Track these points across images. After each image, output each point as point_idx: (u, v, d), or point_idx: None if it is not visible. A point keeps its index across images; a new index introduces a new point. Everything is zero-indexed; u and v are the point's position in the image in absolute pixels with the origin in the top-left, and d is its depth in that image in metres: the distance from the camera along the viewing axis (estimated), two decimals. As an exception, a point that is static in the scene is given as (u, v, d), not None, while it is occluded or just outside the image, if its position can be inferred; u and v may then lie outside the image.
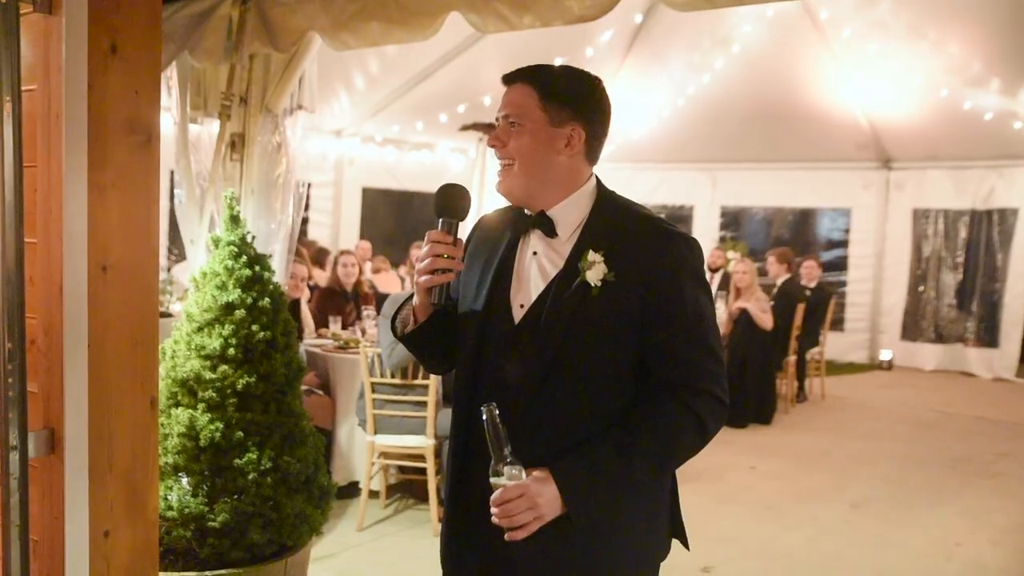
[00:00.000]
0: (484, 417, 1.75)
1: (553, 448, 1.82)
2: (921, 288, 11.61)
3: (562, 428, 1.83)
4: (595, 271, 1.81)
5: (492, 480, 1.75)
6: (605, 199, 1.94)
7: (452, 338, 2.03)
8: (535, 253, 1.92)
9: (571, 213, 1.91)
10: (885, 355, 11.52)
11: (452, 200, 1.91)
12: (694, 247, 1.89)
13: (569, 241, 1.89)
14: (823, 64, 10.13)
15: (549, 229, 1.90)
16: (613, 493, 1.81)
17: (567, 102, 1.87)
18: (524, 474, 1.75)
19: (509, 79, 1.91)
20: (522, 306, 1.90)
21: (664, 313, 1.82)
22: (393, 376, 4.96)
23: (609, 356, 1.84)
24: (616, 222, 1.89)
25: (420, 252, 1.90)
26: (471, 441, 1.92)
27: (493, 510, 1.75)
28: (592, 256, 1.82)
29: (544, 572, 1.86)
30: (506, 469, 1.74)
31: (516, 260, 1.94)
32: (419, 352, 2.13)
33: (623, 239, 1.85)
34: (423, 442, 4.98)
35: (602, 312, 1.81)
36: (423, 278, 1.87)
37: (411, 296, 2.03)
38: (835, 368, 10.79)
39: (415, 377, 4.93)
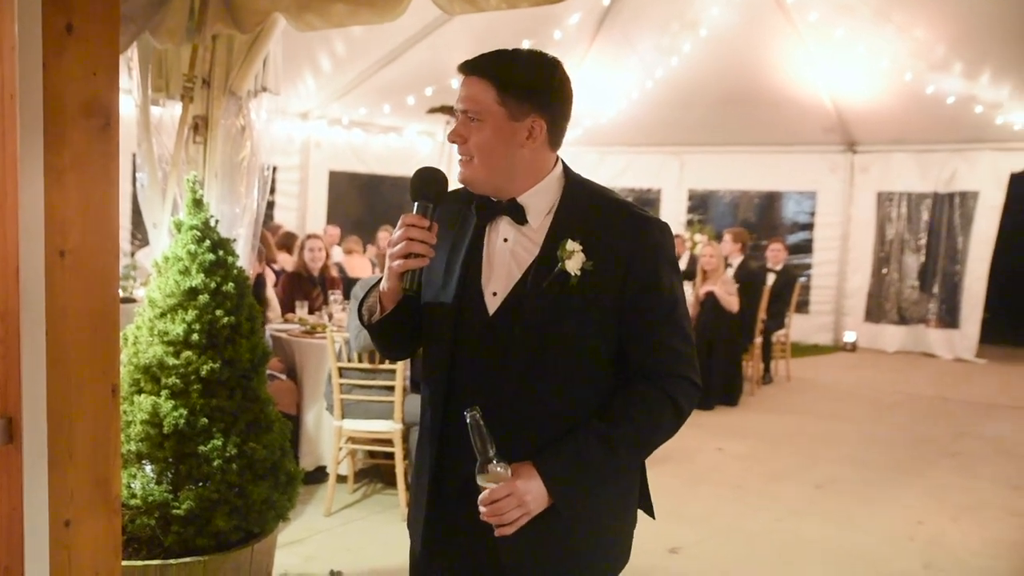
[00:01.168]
0: (468, 422, 1.75)
1: (534, 435, 1.82)
2: (884, 270, 11.77)
3: (543, 416, 1.83)
4: (575, 260, 1.80)
5: (479, 480, 1.77)
6: (574, 184, 1.92)
7: (415, 328, 2.00)
8: (506, 240, 1.89)
9: (541, 199, 1.88)
10: (849, 337, 11.68)
11: (429, 183, 1.87)
12: (667, 232, 1.90)
13: (541, 228, 1.87)
14: (790, 48, 10.19)
15: (519, 216, 1.88)
16: (597, 482, 1.84)
17: (526, 95, 1.82)
18: (509, 472, 1.76)
19: (466, 70, 1.87)
20: (495, 294, 1.87)
21: (643, 300, 1.83)
22: (361, 360, 4.93)
23: (589, 343, 1.84)
24: (588, 207, 1.87)
25: (393, 236, 1.86)
26: (449, 433, 1.90)
27: (482, 509, 1.77)
28: (571, 245, 1.81)
29: (528, 558, 1.86)
30: (491, 468, 1.75)
31: (485, 247, 1.91)
32: (383, 340, 2.06)
33: (597, 226, 1.83)
34: (391, 427, 4.96)
35: (582, 300, 1.81)
36: (396, 263, 1.83)
37: (378, 282, 1.98)
38: (800, 350, 10.91)
39: (383, 362, 4.90)
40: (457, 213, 1.96)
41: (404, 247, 1.82)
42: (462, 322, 1.89)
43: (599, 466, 1.82)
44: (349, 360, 4.96)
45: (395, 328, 1.99)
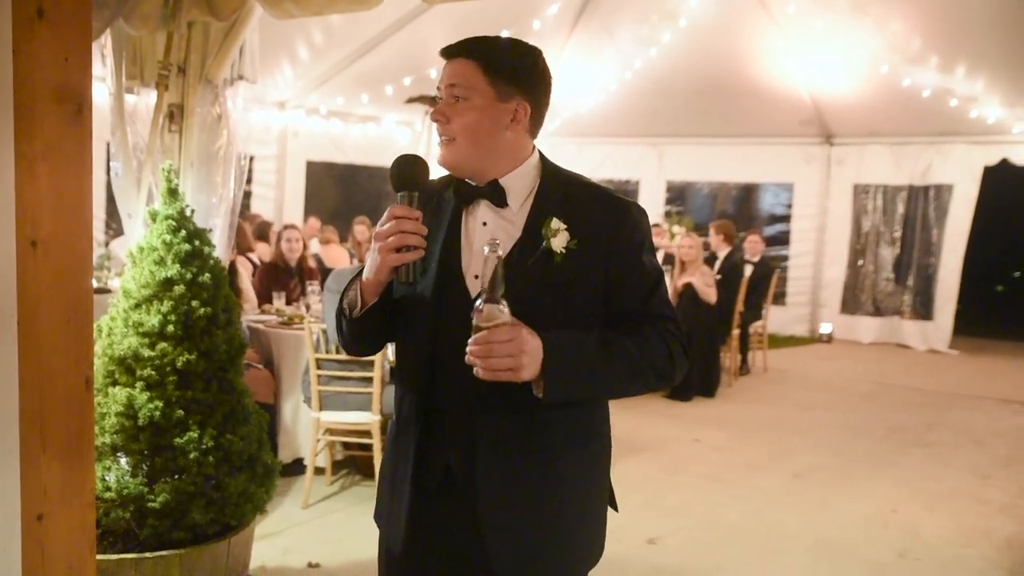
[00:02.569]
0: (486, 253, 1.68)
1: (517, 420, 1.82)
2: (860, 262, 11.87)
3: (527, 399, 1.80)
4: (559, 239, 1.80)
5: (476, 319, 1.67)
6: (551, 171, 1.93)
7: (387, 322, 1.96)
8: (485, 223, 1.88)
9: (521, 183, 1.89)
10: (825, 328, 11.78)
11: (411, 172, 1.83)
12: (644, 215, 1.93)
13: (522, 210, 1.87)
14: (768, 40, 10.23)
15: (500, 199, 1.87)
16: (588, 381, 1.80)
17: (512, 77, 1.84)
18: (511, 318, 1.69)
19: (450, 53, 1.86)
20: (477, 277, 1.85)
21: (627, 282, 1.86)
22: (338, 352, 4.90)
23: (572, 323, 1.82)
24: (567, 192, 1.88)
25: (382, 229, 1.81)
26: (431, 421, 1.88)
27: (473, 348, 1.68)
28: (556, 224, 1.81)
29: (511, 548, 1.85)
30: (493, 309, 1.67)
31: (463, 231, 1.90)
32: (359, 335, 2.00)
33: (577, 209, 1.84)
34: (369, 418, 4.94)
35: (565, 279, 1.81)
36: (391, 256, 1.78)
37: (357, 275, 1.94)
38: (777, 341, 10.99)
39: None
40: (431, 200, 1.94)
41: (398, 239, 1.78)
42: (444, 308, 1.87)
43: (595, 364, 1.78)
44: (327, 351, 4.92)
45: (374, 322, 1.96)
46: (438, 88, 1.90)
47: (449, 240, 1.90)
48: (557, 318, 1.81)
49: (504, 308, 1.67)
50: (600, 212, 1.86)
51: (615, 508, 2.07)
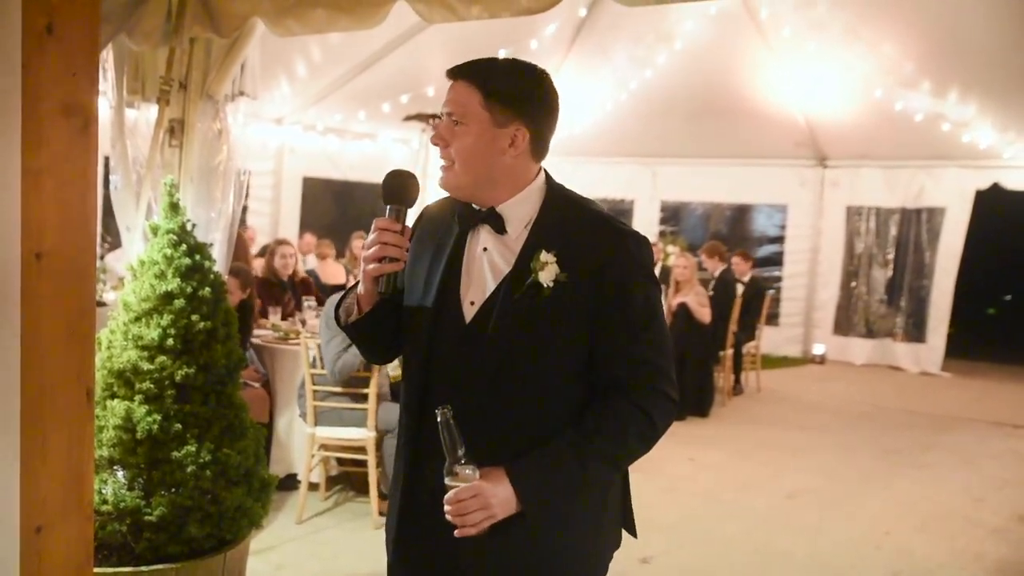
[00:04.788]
0: (439, 419, 1.75)
1: (506, 445, 1.82)
2: (853, 284, 11.92)
3: (514, 426, 1.83)
4: (547, 272, 1.80)
5: (446, 480, 1.76)
6: (555, 195, 1.93)
7: (395, 329, 1.99)
8: (485, 249, 1.89)
9: (521, 210, 1.89)
10: (818, 349, 11.80)
11: (400, 187, 1.87)
12: (644, 245, 1.90)
13: (520, 238, 1.87)
14: (763, 62, 10.31)
15: (499, 226, 1.88)
16: (567, 493, 1.82)
17: (511, 102, 1.83)
18: (477, 474, 1.76)
19: (452, 75, 1.87)
20: (473, 303, 1.87)
21: (616, 312, 1.82)
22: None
23: (561, 355, 1.84)
24: (567, 219, 1.87)
25: (367, 240, 1.86)
26: (423, 439, 1.90)
27: (446, 508, 1.76)
28: (544, 256, 1.80)
29: (492, 568, 1.86)
30: (459, 469, 1.75)
31: (466, 255, 1.91)
32: (362, 342, 2.09)
33: (574, 237, 1.83)
34: (364, 434, 4.94)
35: (554, 312, 1.80)
36: (371, 266, 1.84)
37: (355, 285, 1.98)
38: (770, 362, 11.01)
39: (356, 370, 4.87)
40: (443, 221, 1.97)
41: (377, 251, 1.83)
42: (439, 330, 1.89)
43: (569, 477, 1.81)
44: (322, 367, 4.93)
45: (373, 330, 1.99)
46: (440, 113, 1.92)
47: (451, 262, 1.91)
48: (543, 351, 1.82)
49: (467, 468, 1.76)
50: (595, 241, 1.84)
51: (632, 533, 2.07)
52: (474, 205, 1.91)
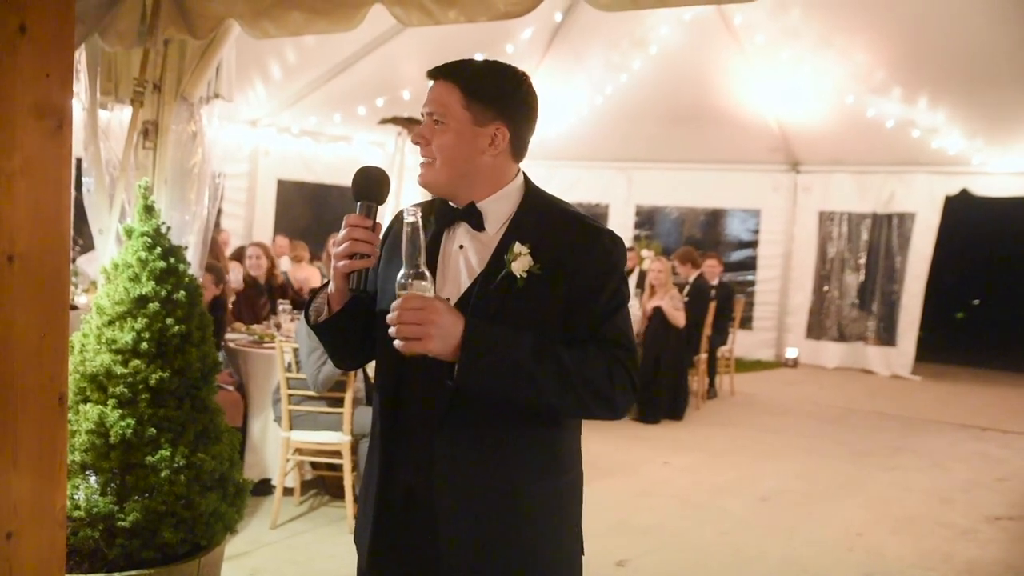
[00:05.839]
0: (408, 220, 1.71)
1: (478, 443, 1.82)
2: (825, 288, 12.04)
3: (487, 422, 1.83)
4: (520, 262, 1.81)
5: (397, 290, 1.71)
6: (533, 196, 1.95)
7: (365, 332, 1.98)
8: (461, 247, 1.91)
9: (500, 208, 1.90)
10: (791, 353, 11.91)
11: (371, 183, 1.87)
12: (618, 243, 1.92)
13: (497, 235, 1.88)
14: (737, 68, 10.40)
15: (477, 223, 1.89)
16: (508, 371, 1.75)
17: (491, 101, 1.86)
18: (432, 291, 1.72)
19: (433, 74, 1.89)
20: (448, 300, 1.88)
21: (585, 308, 1.84)
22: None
23: None
24: (543, 218, 1.89)
25: (338, 237, 1.86)
26: (396, 438, 1.90)
27: (389, 316, 1.71)
28: (518, 248, 1.82)
29: (471, 569, 1.85)
30: (415, 282, 1.71)
31: (441, 253, 1.92)
32: (330, 343, 2.04)
33: (549, 236, 1.85)
34: (339, 438, 4.92)
35: (528, 305, 1.81)
36: (341, 263, 1.83)
37: (325, 284, 1.97)
38: (744, 365, 11.09)
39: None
40: (424, 218, 1.97)
41: (348, 247, 1.82)
42: None
43: (518, 357, 1.74)
44: (298, 371, 4.90)
45: (343, 330, 1.98)
46: (421, 112, 1.93)
47: (426, 261, 1.92)
48: None
49: (426, 282, 1.70)
50: (571, 237, 1.86)
51: (580, 550, 2.04)
52: (451, 203, 1.92)
